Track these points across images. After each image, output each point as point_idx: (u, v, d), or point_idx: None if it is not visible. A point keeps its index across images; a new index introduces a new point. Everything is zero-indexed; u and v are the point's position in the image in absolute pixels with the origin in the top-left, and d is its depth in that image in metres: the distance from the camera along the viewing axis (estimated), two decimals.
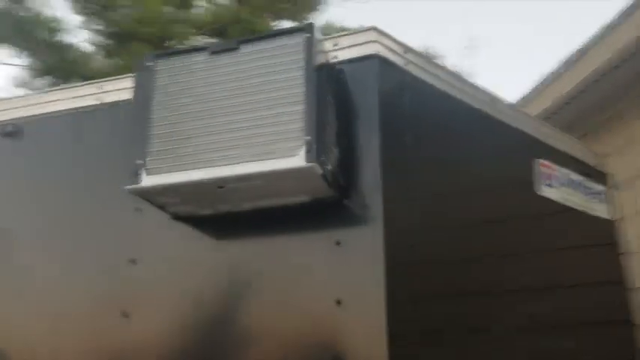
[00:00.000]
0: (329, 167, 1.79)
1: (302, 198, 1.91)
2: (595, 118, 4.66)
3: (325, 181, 1.79)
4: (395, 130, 2.04)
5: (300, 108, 1.72)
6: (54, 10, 9.34)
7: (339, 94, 2.00)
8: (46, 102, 2.38)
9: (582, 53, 4.24)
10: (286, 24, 11.43)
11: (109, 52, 8.38)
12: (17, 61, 9.98)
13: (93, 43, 8.97)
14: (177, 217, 2.04)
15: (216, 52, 1.86)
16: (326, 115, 1.82)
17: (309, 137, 1.69)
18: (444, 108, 2.32)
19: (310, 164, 1.67)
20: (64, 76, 9.21)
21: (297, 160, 1.67)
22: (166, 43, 7.36)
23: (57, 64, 9.24)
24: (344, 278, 1.84)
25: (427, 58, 2.28)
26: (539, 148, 2.70)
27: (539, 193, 2.62)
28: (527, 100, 5.00)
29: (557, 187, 2.75)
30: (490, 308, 2.27)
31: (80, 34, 9.23)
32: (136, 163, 1.80)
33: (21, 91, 9.22)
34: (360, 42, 2.08)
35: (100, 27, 8.60)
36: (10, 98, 2.51)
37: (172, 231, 2.06)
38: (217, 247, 2.03)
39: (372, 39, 2.07)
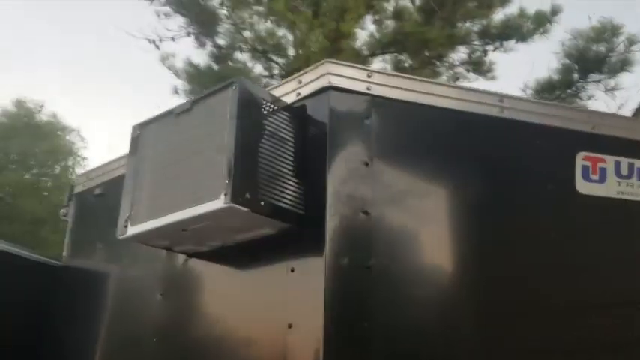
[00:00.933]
0: (263, 203, 1.95)
1: (267, 231, 2.10)
2: None
3: (263, 215, 1.95)
4: (351, 155, 2.10)
5: (224, 155, 1.93)
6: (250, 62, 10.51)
7: (298, 131, 2.14)
8: (119, 167, 2.92)
9: None
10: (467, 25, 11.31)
11: None
12: None
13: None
14: (189, 255, 2.39)
15: (177, 113, 2.16)
16: (262, 157, 1.99)
17: (227, 181, 1.88)
18: (433, 120, 2.28)
19: (227, 205, 1.86)
20: None
21: (218, 202, 1.88)
22: None
23: None
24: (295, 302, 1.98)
25: (399, 76, 2.26)
26: (586, 142, 2.41)
27: (578, 190, 2.35)
28: None
29: (610, 180, 2.41)
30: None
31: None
32: (125, 216, 2.19)
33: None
34: (316, 76, 2.20)
35: (280, 70, 9.51)
36: (100, 166, 3.12)
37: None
38: (212, 279, 2.32)
39: (325, 72, 2.17)
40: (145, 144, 2.24)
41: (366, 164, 2.11)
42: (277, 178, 2.02)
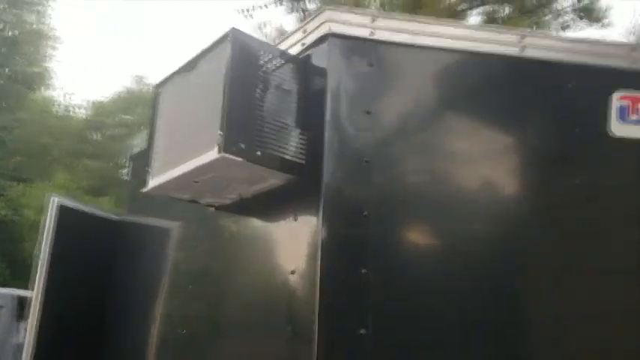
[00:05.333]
0: (260, 153, 1.99)
1: (274, 182, 2.14)
2: None
3: (260, 164, 2.00)
4: (351, 103, 2.07)
5: (219, 108, 1.98)
6: None
7: (300, 81, 2.14)
8: None
9: None
10: None
11: None
12: None
13: None
14: (213, 207, 2.49)
15: (186, 70, 2.24)
16: (259, 108, 2.02)
17: (220, 132, 1.94)
18: (442, 63, 2.18)
19: (220, 155, 1.92)
20: None
21: (212, 153, 1.94)
22: None
23: None
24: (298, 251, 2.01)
25: (407, 19, 2.17)
26: (623, 79, 2.20)
27: (612, 133, 2.15)
28: None
29: None
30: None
31: None
32: (145, 170, 2.32)
33: None
34: (317, 25, 2.17)
35: None
36: None
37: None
38: (234, 229, 2.42)
39: (325, 19, 2.14)
40: (163, 101, 2.35)
41: (368, 113, 2.07)
42: (278, 129, 2.05)
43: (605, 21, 11.33)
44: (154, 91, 2.41)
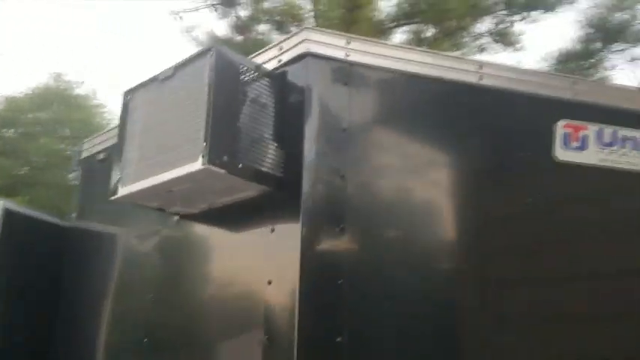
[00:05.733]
0: (241, 165, 2.05)
1: (248, 193, 2.20)
2: None
3: (241, 177, 2.05)
4: (328, 121, 2.18)
5: (202, 119, 2.02)
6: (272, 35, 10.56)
7: (278, 96, 2.22)
8: None
9: None
10: None
11: None
12: None
13: None
14: (180, 216, 2.51)
15: (162, 79, 2.26)
16: (241, 121, 2.08)
17: (204, 143, 1.98)
18: (410, 88, 2.33)
19: (204, 167, 1.96)
20: None
21: (196, 164, 1.98)
22: None
23: None
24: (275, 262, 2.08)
25: (379, 44, 2.31)
26: (567, 110, 2.44)
27: (558, 158, 2.38)
28: None
29: (592, 148, 2.43)
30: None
31: None
32: (116, 177, 2.32)
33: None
34: (295, 43, 2.26)
35: None
36: (104, 132, 3.27)
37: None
38: (202, 239, 2.45)
39: (303, 39, 2.23)
40: (134, 109, 2.35)
41: (344, 130, 2.19)
42: (256, 142, 2.11)
43: (518, 45, 12.14)
44: (123, 97, 2.41)
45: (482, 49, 12.15)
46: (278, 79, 2.25)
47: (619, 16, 8.74)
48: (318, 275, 2.02)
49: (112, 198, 2.32)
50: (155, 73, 2.30)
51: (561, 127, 2.42)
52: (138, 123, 2.31)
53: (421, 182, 2.27)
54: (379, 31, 9.05)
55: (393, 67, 2.29)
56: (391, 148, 2.26)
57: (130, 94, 2.39)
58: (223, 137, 2.02)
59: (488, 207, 2.30)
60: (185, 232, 2.53)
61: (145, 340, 2.50)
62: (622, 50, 8.77)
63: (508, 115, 2.39)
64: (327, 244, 2.06)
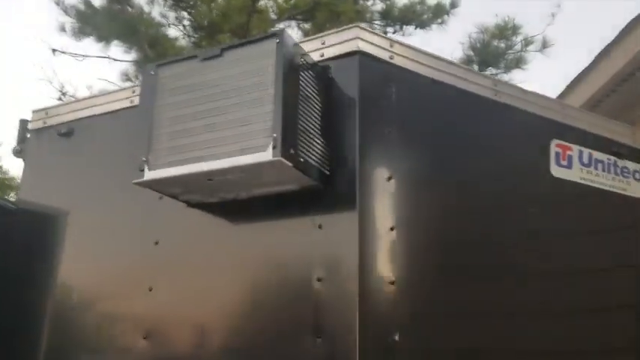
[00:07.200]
0: (302, 159, 1.98)
1: (290, 187, 2.12)
2: None
3: (301, 171, 1.99)
4: (376, 121, 2.19)
5: (269, 108, 1.93)
6: (155, 7, 10.02)
7: (325, 90, 2.18)
8: (90, 106, 2.76)
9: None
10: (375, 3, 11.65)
11: (199, 45, 8.96)
12: (127, 57, 10.94)
13: (188, 36, 9.62)
14: (190, 205, 2.34)
15: (204, 58, 2.10)
16: (302, 112, 2.01)
17: (275, 134, 1.89)
18: (439, 96, 2.42)
19: (276, 158, 1.87)
20: None
21: (265, 155, 1.89)
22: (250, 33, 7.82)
23: (159, 58, 9.95)
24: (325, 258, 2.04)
25: (417, 50, 2.37)
26: (557, 130, 2.70)
27: (552, 173, 2.63)
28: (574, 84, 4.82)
29: (575, 167, 2.72)
30: (493, 293, 2.33)
31: (178, 29, 9.92)
32: (141, 160, 2.10)
33: (128, 85, 10.11)
34: (344, 39, 2.24)
35: (191, 21, 9.19)
36: (64, 104, 2.92)
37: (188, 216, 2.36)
38: (222, 231, 2.31)
39: (355, 36, 2.22)
40: (163, 86, 2.15)
41: (389, 131, 2.21)
42: (310, 136, 2.06)
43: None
44: (145, 72, 2.19)
45: None
46: (326, 72, 2.21)
47: (496, 44, 9.70)
48: (374, 274, 2.02)
49: (136, 182, 2.10)
50: (187, 51, 2.13)
51: (554, 146, 2.68)
52: (171, 102, 2.12)
53: (460, 185, 2.36)
54: (272, 24, 9.04)
55: (428, 74, 2.37)
56: (428, 150, 2.32)
57: (155, 70, 2.18)
58: (289, 129, 1.95)
59: (497, 216, 2.46)
60: (193, 223, 2.36)
61: (143, 338, 2.30)
62: (495, 74, 9.70)
63: (515, 131, 2.59)
64: (381, 243, 2.08)
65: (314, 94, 2.12)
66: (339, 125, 2.16)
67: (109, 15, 9.88)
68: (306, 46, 2.28)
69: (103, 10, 9.91)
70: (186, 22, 9.47)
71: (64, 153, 2.80)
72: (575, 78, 5.03)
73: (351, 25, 2.25)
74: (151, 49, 9.95)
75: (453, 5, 11.55)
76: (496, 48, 9.79)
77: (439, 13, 11.58)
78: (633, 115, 4.41)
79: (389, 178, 2.16)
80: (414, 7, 11.70)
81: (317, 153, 2.08)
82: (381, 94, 2.24)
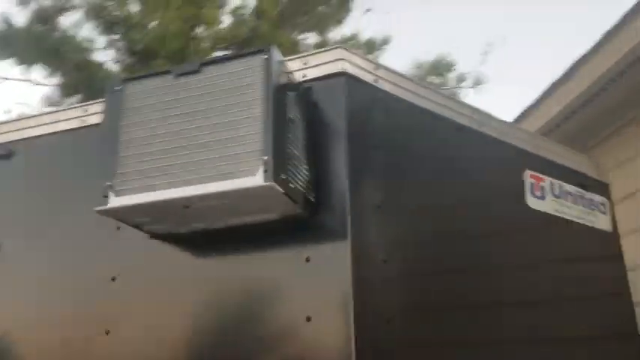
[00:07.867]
0: (292, 185, 1.81)
1: (271, 216, 1.94)
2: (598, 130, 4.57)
3: (290, 198, 1.81)
4: (363, 146, 2.06)
5: (258, 129, 1.75)
6: (82, 30, 9.58)
7: (307, 112, 2.03)
8: (34, 125, 2.48)
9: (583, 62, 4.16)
10: (309, 36, 11.73)
11: (132, 71, 8.62)
12: (50, 80, 10.36)
13: (118, 62, 9.25)
14: (155, 236, 2.09)
15: (179, 74, 1.90)
16: (288, 135, 1.85)
17: (266, 157, 1.71)
18: (422, 123, 2.32)
19: (268, 183, 1.69)
20: (92, 95, 9.49)
21: (256, 179, 1.70)
22: (186, 60, 7.59)
23: (86, 83, 9.52)
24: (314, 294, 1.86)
25: (400, 75, 2.28)
26: (530, 161, 2.67)
27: (528, 204, 2.59)
28: (529, 112, 4.95)
29: (548, 198, 2.70)
30: (478, 322, 2.23)
31: (107, 53, 9.53)
32: (104, 185, 1.85)
33: (52, 109, 9.56)
34: (328, 60, 2.11)
35: (124, 46, 8.85)
36: (3, 122, 2.61)
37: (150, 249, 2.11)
38: (192, 265, 2.08)
39: (339, 57, 2.09)
40: (131, 103, 1.93)
41: (377, 156, 2.08)
42: (298, 161, 1.90)
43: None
44: (109, 88, 1.96)
45: None
46: (309, 94, 2.06)
47: (432, 80, 9.95)
48: (371, 312, 1.86)
49: (99, 209, 1.85)
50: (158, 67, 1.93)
51: (529, 177, 2.64)
52: (141, 121, 1.89)
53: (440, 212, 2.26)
54: (209, 52, 8.83)
55: (410, 99, 2.27)
56: (419, 179, 2.21)
57: (121, 85, 1.95)
58: (280, 152, 1.77)
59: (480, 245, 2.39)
60: (157, 254, 2.11)
61: None
62: None
63: (495, 161, 2.53)
64: (374, 276, 1.92)
65: (299, 116, 1.97)
66: (324, 149, 2.01)
67: (33, 37, 9.35)
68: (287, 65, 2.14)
69: (26, 31, 9.36)
70: (119, 47, 9.08)
71: (2, 177, 2.48)
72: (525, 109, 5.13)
73: (334, 46, 2.14)
74: (78, 73, 9.49)
75: (385, 42, 11.88)
76: (430, 84, 10.05)
77: (370, 49, 11.84)
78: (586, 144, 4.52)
79: (378, 207, 2.02)
80: (347, 43, 11.91)
81: (303, 179, 1.92)
82: (367, 119, 2.12)
